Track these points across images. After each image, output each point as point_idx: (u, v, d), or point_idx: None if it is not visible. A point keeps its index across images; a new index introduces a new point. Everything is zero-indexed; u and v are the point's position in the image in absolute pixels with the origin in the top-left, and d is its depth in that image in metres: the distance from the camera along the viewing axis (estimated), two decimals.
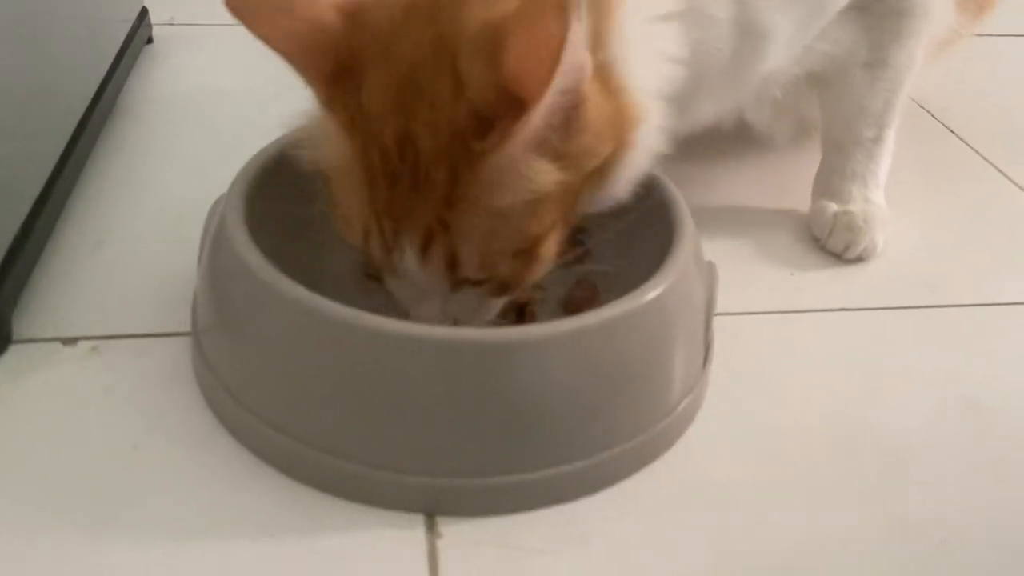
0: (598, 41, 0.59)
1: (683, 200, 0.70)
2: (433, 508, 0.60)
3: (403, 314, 0.62)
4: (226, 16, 0.55)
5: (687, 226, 0.67)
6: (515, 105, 0.53)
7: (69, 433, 0.63)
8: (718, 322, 0.70)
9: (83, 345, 0.70)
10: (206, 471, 0.61)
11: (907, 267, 0.86)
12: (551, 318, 0.64)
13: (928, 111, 1.13)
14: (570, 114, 0.56)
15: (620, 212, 0.66)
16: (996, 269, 0.88)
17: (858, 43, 0.81)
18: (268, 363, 0.61)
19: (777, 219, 0.91)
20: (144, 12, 1.12)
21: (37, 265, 0.76)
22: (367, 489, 0.59)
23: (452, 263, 0.59)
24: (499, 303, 0.65)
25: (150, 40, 1.14)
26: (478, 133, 0.55)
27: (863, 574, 0.59)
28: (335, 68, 0.57)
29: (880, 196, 0.88)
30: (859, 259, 0.86)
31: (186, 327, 0.70)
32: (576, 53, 0.53)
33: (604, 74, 0.59)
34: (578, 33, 0.52)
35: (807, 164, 0.91)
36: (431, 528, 0.59)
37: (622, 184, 0.63)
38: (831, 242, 0.86)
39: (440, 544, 0.58)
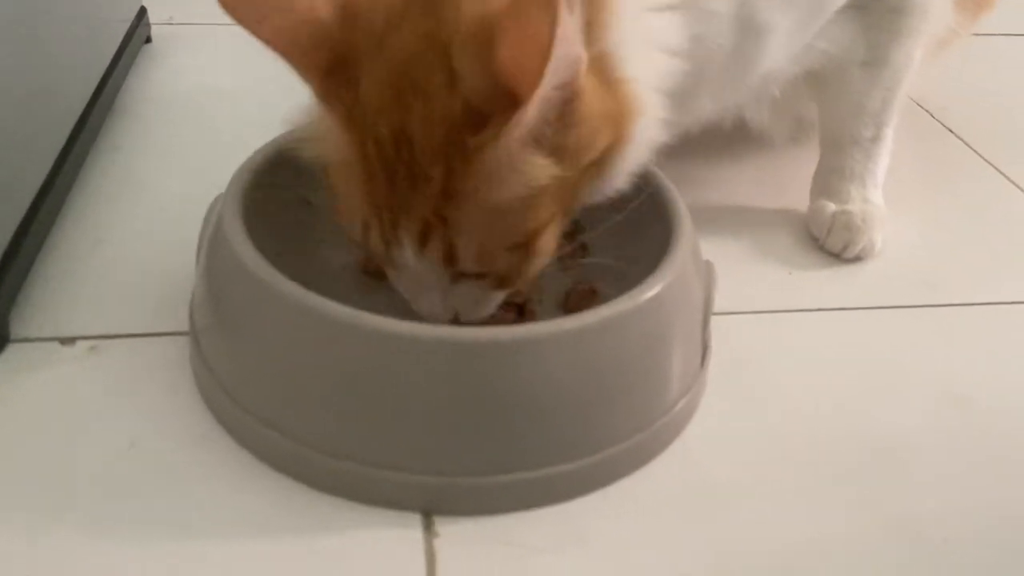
0: (595, 33, 0.58)
1: (681, 199, 0.70)
2: (431, 507, 0.60)
3: (403, 313, 0.62)
4: (225, 16, 0.55)
5: (685, 225, 0.67)
6: (509, 99, 0.53)
7: (67, 433, 0.63)
8: (716, 321, 0.70)
9: (81, 345, 0.70)
10: (204, 471, 0.61)
11: (905, 266, 0.86)
12: (550, 317, 0.64)
13: (927, 110, 1.13)
14: (565, 108, 0.56)
15: (618, 205, 0.66)
16: (995, 268, 0.88)
17: (856, 42, 0.81)
18: (266, 362, 0.61)
19: (775, 218, 0.91)
20: (143, 11, 1.12)
21: (35, 264, 0.76)
22: (364, 488, 0.59)
23: (450, 256, 0.59)
24: (499, 296, 0.65)
25: (149, 39, 1.14)
26: (473, 128, 0.55)
27: (858, 572, 0.59)
28: (331, 62, 0.57)
29: (878, 195, 0.88)
30: (857, 258, 0.86)
31: (184, 327, 0.70)
32: (569, 46, 0.53)
33: (601, 66, 0.59)
34: (570, 26, 0.52)
35: (805, 163, 0.91)
36: (429, 527, 0.59)
37: (621, 177, 0.63)
38: (829, 241, 0.86)
39: (438, 543, 0.58)
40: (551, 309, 0.74)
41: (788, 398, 0.71)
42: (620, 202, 0.66)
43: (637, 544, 0.59)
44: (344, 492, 0.60)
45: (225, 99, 1.04)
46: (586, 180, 0.61)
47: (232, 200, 0.66)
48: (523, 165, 0.56)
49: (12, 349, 0.69)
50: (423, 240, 0.58)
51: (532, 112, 0.53)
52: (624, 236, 0.70)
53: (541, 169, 0.57)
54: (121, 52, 1.02)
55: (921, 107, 1.13)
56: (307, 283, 0.60)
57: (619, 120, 0.60)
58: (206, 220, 0.70)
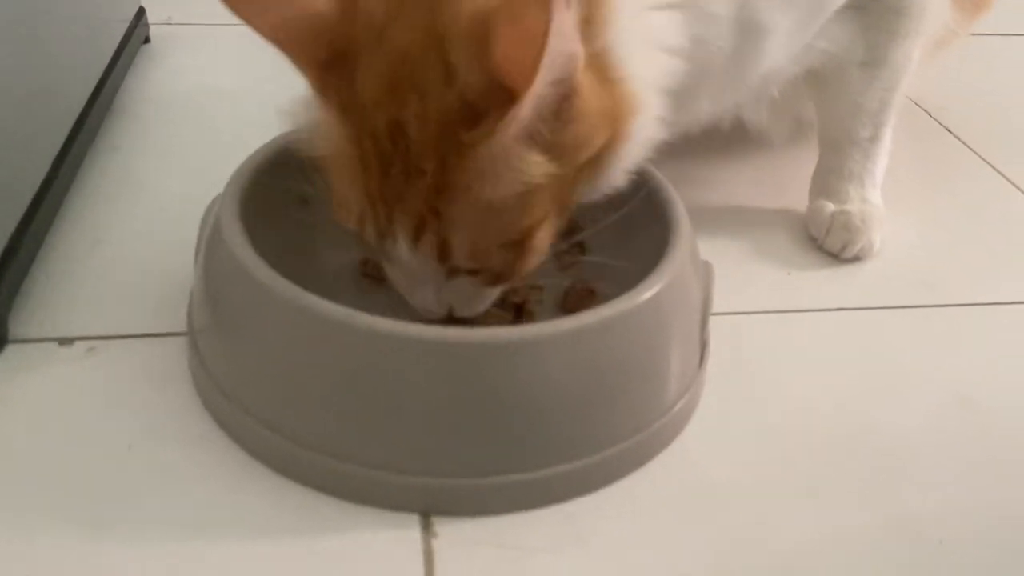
0: (593, 30, 0.58)
1: (680, 199, 0.70)
2: (429, 508, 0.59)
3: (401, 314, 0.62)
4: (224, 15, 0.55)
5: (683, 225, 0.67)
6: (505, 95, 0.53)
7: (65, 433, 0.63)
8: (715, 322, 0.70)
9: (79, 345, 0.70)
10: (202, 471, 0.61)
11: (904, 266, 0.86)
12: (548, 317, 0.64)
13: (925, 110, 1.13)
14: (562, 104, 0.56)
15: (615, 203, 0.66)
16: (993, 268, 0.88)
17: (855, 42, 0.81)
18: (264, 363, 0.61)
19: (774, 219, 0.91)
20: (141, 12, 1.12)
21: (33, 265, 0.76)
22: (362, 489, 0.59)
23: (443, 251, 0.59)
24: (494, 293, 0.65)
25: (147, 40, 1.14)
26: (468, 123, 0.55)
27: (859, 572, 0.59)
28: (328, 55, 0.57)
29: (877, 195, 0.88)
30: (856, 259, 0.86)
31: (183, 327, 0.70)
32: (565, 42, 0.53)
33: (599, 64, 0.58)
34: (567, 22, 0.52)
35: (804, 164, 0.91)
36: (427, 528, 0.59)
37: (618, 175, 0.63)
38: (828, 241, 0.86)
39: (436, 544, 0.58)
40: (549, 309, 0.74)
41: (787, 398, 0.71)
42: (618, 201, 0.66)
43: (636, 544, 0.59)
44: (342, 493, 0.60)
45: (224, 99, 1.04)
46: (582, 178, 0.61)
47: (230, 201, 0.66)
48: (518, 162, 0.56)
49: (11, 349, 0.69)
50: (417, 234, 0.58)
51: (527, 108, 0.53)
52: (622, 236, 0.70)
53: (536, 166, 0.57)
54: (120, 52, 1.02)
55: (919, 107, 1.13)
56: (306, 284, 0.60)
57: (616, 118, 0.59)
58: (204, 221, 0.70)
